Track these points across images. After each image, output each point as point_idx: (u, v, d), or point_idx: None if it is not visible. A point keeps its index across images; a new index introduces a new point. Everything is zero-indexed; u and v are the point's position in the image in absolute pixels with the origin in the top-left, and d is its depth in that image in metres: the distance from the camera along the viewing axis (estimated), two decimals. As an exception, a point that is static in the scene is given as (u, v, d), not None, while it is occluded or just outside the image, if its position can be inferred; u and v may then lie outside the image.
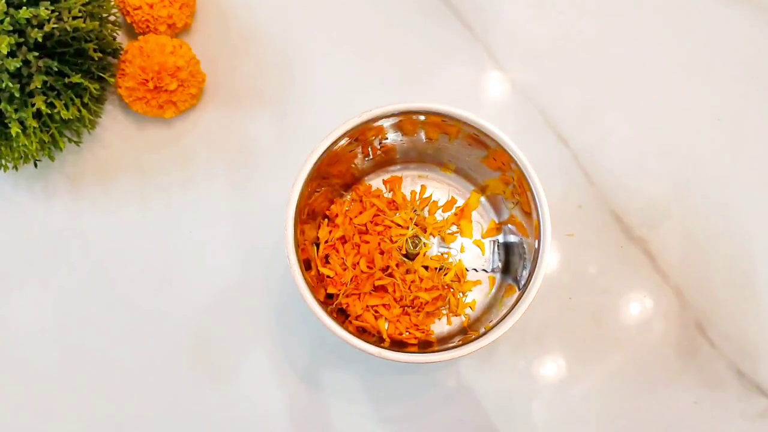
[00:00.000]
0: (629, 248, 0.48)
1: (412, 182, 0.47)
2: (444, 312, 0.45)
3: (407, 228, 0.45)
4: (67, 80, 0.43)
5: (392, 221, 0.45)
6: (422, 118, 0.40)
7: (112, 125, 0.50)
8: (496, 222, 0.46)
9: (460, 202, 0.47)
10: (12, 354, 0.48)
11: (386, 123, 0.41)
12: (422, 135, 0.43)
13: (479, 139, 0.40)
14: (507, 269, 0.45)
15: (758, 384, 0.46)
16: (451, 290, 0.45)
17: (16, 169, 0.49)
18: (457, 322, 0.45)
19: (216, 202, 0.49)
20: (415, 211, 0.46)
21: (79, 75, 0.44)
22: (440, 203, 0.46)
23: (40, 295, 0.48)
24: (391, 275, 0.43)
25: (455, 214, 0.46)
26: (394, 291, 0.44)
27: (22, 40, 0.40)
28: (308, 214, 0.42)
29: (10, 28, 0.40)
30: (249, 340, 0.47)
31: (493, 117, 0.48)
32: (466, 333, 0.43)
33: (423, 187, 0.47)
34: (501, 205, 0.46)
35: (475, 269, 0.46)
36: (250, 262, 0.48)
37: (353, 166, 0.45)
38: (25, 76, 0.41)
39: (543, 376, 0.47)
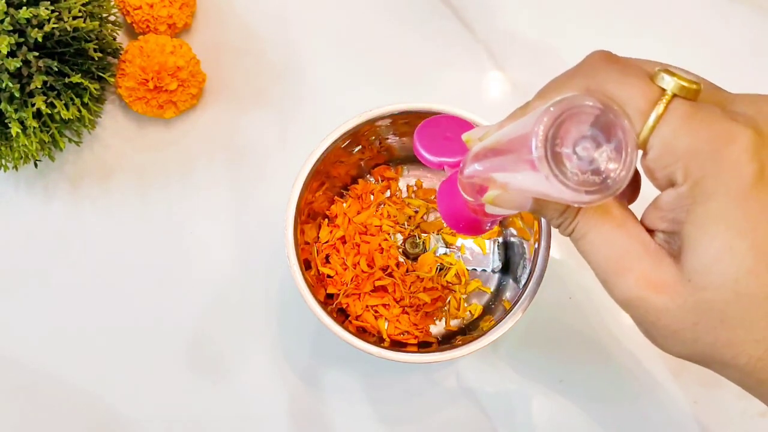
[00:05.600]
0: (629, 248, 0.48)
1: (412, 182, 0.47)
2: (444, 311, 0.45)
3: (407, 228, 0.45)
4: (67, 80, 0.43)
5: (392, 221, 0.45)
6: (415, 117, 0.40)
7: (112, 125, 0.50)
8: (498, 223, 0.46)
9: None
10: (11, 353, 0.48)
11: (386, 123, 0.41)
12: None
13: (479, 139, 0.40)
14: (507, 269, 0.45)
15: (758, 384, 0.46)
16: (453, 292, 0.45)
17: (16, 169, 0.49)
18: (457, 322, 0.45)
19: (216, 202, 0.49)
20: (416, 210, 0.46)
21: (79, 75, 0.44)
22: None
23: (40, 295, 0.48)
24: (391, 275, 0.43)
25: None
26: (394, 291, 0.44)
27: (22, 40, 0.40)
28: (308, 214, 0.42)
29: (10, 28, 0.40)
30: (249, 340, 0.47)
31: (493, 117, 0.48)
32: (466, 333, 0.43)
33: (418, 182, 0.47)
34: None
35: (475, 269, 0.46)
36: (250, 262, 0.48)
37: (353, 166, 0.45)
38: (25, 76, 0.41)
39: (543, 376, 0.47)
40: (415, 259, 0.45)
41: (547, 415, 0.46)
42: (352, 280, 0.43)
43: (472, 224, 0.32)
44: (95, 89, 0.45)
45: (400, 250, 0.45)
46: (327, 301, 0.43)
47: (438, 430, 0.46)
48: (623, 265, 0.25)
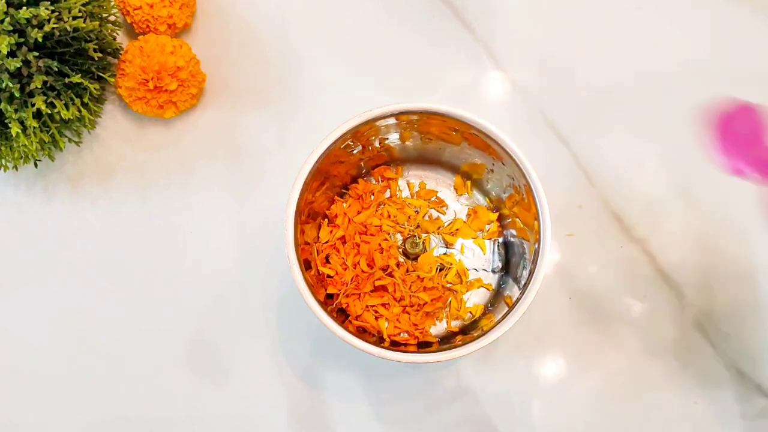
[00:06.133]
0: (629, 248, 0.48)
1: (413, 182, 0.47)
2: (445, 314, 0.45)
3: (407, 228, 0.45)
4: (67, 80, 0.43)
5: (392, 221, 0.45)
6: (415, 117, 0.40)
7: (112, 125, 0.50)
8: (498, 224, 0.46)
9: (463, 210, 0.47)
10: (11, 354, 0.48)
11: (386, 123, 0.41)
12: (422, 135, 0.43)
13: (479, 138, 0.40)
14: (507, 269, 0.45)
15: (758, 384, 0.46)
16: (454, 292, 0.45)
17: (16, 169, 0.49)
18: (457, 322, 0.45)
19: (216, 202, 0.49)
20: (416, 210, 0.46)
21: (79, 75, 0.44)
22: (446, 214, 0.47)
23: (40, 295, 0.48)
24: (391, 275, 0.43)
25: (456, 220, 0.46)
26: (395, 291, 0.44)
27: (22, 40, 0.40)
28: (308, 214, 0.42)
29: (10, 28, 0.40)
30: (249, 340, 0.47)
31: (493, 117, 0.48)
32: (466, 333, 0.43)
33: (422, 184, 0.47)
34: (502, 205, 0.46)
35: (476, 269, 0.46)
36: (250, 262, 0.48)
37: (353, 166, 0.45)
38: (25, 76, 0.41)
39: (543, 376, 0.47)
40: (415, 259, 0.45)
41: (547, 415, 0.46)
42: (352, 280, 0.43)
43: None
44: (95, 89, 0.45)
45: (400, 250, 0.45)
46: (327, 301, 0.43)
47: (438, 430, 0.46)
48: None
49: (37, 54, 0.41)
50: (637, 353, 0.47)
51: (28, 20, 0.40)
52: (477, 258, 0.46)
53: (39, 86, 0.41)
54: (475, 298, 0.45)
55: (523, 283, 0.39)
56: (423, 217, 0.46)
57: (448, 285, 0.45)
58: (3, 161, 0.46)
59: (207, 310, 0.48)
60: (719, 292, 0.47)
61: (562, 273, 0.48)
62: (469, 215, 0.46)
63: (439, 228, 0.46)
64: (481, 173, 0.45)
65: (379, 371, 0.47)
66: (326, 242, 0.44)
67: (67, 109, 0.44)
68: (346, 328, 0.38)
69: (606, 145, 0.49)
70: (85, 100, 0.46)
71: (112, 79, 0.47)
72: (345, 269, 0.43)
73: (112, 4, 0.47)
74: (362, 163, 0.46)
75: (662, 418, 0.46)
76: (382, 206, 0.46)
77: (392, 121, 0.40)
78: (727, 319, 0.47)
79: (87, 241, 0.49)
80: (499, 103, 0.50)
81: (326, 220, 0.45)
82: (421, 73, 0.51)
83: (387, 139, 0.43)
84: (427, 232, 0.46)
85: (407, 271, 0.44)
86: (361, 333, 0.43)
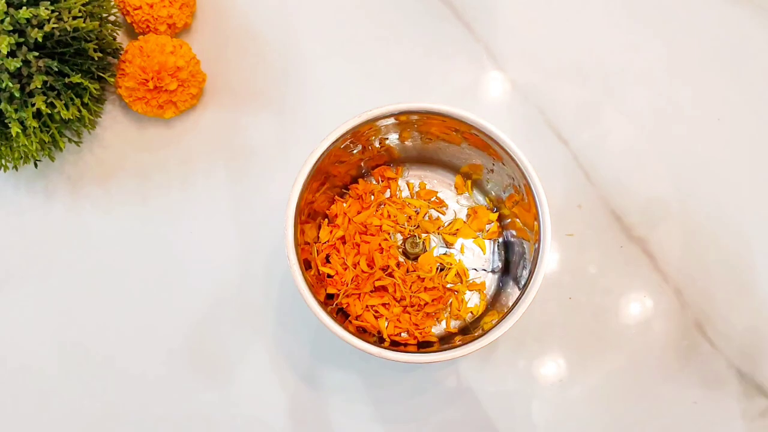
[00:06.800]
0: (629, 248, 0.48)
1: (413, 182, 0.47)
2: (446, 315, 0.45)
3: (407, 228, 0.45)
4: (67, 80, 0.43)
5: (392, 221, 0.45)
6: (415, 117, 0.40)
7: (112, 125, 0.50)
8: (498, 224, 0.46)
9: (463, 210, 0.47)
10: (11, 354, 0.48)
11: (386, 123, 0.41)
12: (422, 135, 0.43)
13: (479, 138, 0.40)
14: (507, 269, 0.45)
15: (758, 384, 0.46)
16: (454, 292, 0.45)
17: (16, 169, 0.49)
18: (457, 322, 0.45)
19: (216, 202, 0.49)
20: (416, 210, 0.46)
21: (79, 75, 0.44)
22: (446, 214, 0.47)
23: (40, 296, 0.48)
24: (391, 275, 0.43)
25: (456, 221, 0.46)
26: (395, 291, 0.44)
27: (22, 40, 0.40)
28: (308, 214, 0.42)
29: (10, 28, 0.40)
30: (249, 340, 0.47)
31: (493, 117, 0.48)
32: (467, 333, 0.43)
33: (422, 184, 0.47)
34: (502, 205, 0.46)
35: (476, 269, 0.46)
36: (250, 262, 0.48)
37: (353, 166, 0.45)
38: (25, 76, 0.41)
39: (543, 376, 0.47)
40: (415, 259, 0.45)
41: (547, 415, 0.46)
42: (352, 280, 0.43)
43: None
44: (95, 89, 0.45)
45: (400, 250, 0.45)
46: (327, 301, 0.43)
47: (438, 430, 0.46)
48: None
49: (37, 54, 0.41)
50: (637, 353, 0.47)
51: (28, 20, 0.40)
52: (477, 258, 0.46)
53: (39, 86, 0.41)
54: (474, 299, 0.45)
55: (523, 283, 0.39)
56: (423, 217, 0.46)
57: (448, 285, 0.45)
58: (3, 161, 0.46)
59: (207, 311, 0.48)
60: (719, 292, 0.47)
61: (562, 273, 0.48)
62: (469, 215, 0.46)
63: (439, 228, 0.46)
64: (481, 173, 0.45)
65: (379, 371, 0.47)
66: (326, 242, 0.44)
67: (67, 109, 0.44)
68: (346, 328, 0.38)
69: (605, 144, 0.49)
70: (85, 100, 0.46)
71: (112, 79, 0.47)
72: (345, 269, 0.43)
73: (112, 4, 0.47)
74: (362, 163, 0.46)
75: (662, 418, 0.46)
76: (382, 206, 0.46)
77: (392, 121, 0.40)
78: (727, 319, 0.47)
79: (87, 241, 0.49)
80: (499, 103, 0.50)
81: (326, 220, 0.45)
82: (421, 73, 0.51)
83: (387, 139, 0.43)
84: (427, 232, 0.46)
85: (407, 271, 0.44)
86: (361, 333, 0.43)
